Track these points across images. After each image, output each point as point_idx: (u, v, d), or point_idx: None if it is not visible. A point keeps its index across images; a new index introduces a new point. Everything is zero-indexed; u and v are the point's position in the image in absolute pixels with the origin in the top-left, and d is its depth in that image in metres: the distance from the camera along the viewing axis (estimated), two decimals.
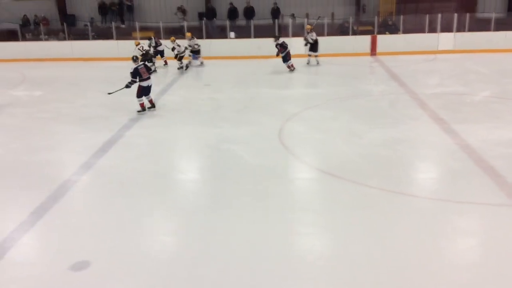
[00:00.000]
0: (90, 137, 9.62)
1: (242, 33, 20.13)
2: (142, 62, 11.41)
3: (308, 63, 17.39)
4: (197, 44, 17.60)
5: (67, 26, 20.40)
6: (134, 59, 11.31)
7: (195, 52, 17.62)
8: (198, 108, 12.08)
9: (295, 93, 13.90)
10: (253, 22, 20.03)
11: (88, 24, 20.72)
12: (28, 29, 21.78)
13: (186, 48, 17.25)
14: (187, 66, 17.37)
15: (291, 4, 23.11)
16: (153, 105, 11.65)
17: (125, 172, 7.85)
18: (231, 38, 19.91)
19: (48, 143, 9.46)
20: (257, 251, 5.28)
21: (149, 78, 11.31)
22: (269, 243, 5.44)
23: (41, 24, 21.43)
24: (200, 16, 22.54)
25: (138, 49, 16.75)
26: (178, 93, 13.72)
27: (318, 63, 17.33)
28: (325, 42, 18.01)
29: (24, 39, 20.70)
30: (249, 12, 22.29)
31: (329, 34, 19.55)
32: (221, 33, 20.52)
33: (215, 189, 7.23)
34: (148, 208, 6.52)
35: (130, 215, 6.29)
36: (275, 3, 22.45)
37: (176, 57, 17.03)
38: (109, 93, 11.77)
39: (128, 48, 16.93)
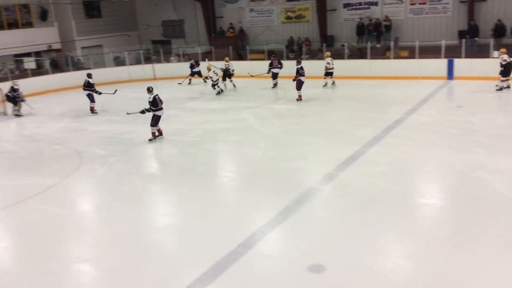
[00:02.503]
0: (336, 151, 10.12)
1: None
2: (156, 93, 11.78)
3: None
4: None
5: (326, 46, 21.88)
6: (150, 89, 11.77)
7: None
8: (447, 130, 11.40)
9: None
10: None
11: (345, 44, 21.80)
12: (292, 49, 24.21)
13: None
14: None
15: None
16: (160, 133, 12.09)
17: (365, 187, 7.99)
18: (493, 58, 18.07)
19: (299, 152, 10.33)
20: None
21: (162, 108, 11.78)
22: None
23: (303, 44, 23.56)
24: (461, 34, 21.14)
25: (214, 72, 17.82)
26: (427, 113, 13.20)
27: None
28: None
29: (288, 58, 23.10)
30: None
31: None
32: (482, 52, 18.80)
33: (457, 218, 6.72)
34: (384, 226, 6.51)
35: (366, 230, 6.40)
36: None
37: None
38: (128, 113, 13.06)
39: (379, 66, 17.06)
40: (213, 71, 17.97)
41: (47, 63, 23.54)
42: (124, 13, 27.75)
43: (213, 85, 17.99)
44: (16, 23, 23.25)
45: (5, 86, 16.96)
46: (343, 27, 24.13)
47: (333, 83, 18.53)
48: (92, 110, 15.91)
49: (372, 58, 20.11)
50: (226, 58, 19.92)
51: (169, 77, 22.34)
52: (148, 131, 11.92)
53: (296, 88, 15.91)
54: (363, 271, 5.37)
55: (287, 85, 18.71)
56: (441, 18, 21.91)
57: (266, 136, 12.04)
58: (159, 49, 24.82)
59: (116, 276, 5.72)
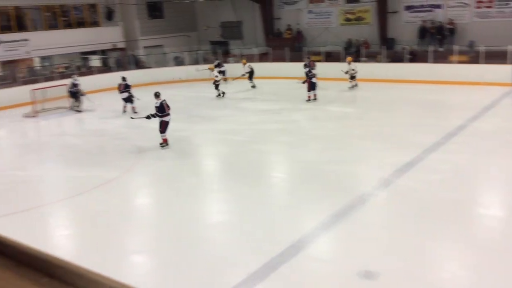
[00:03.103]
0: (392, 156, 9.88)
1: None
2: (164, 98, 11.41)
3: None
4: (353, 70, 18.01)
5: (386, 49, 21.41)
6: (157, 95, 11.42)
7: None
8: (510, 138, 10.84)
9: None
10: None
11: (406, 47, 21.24)
12: (350, 51, 23.88)
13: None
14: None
15: None
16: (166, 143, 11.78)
17: (422, 194, 7.75)
18: None
19: (354, 156, 10.19)
20: None
21: (169, 114, 11.38)
22: None
23: (361, 47, 23.16)
24: None
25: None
26: (491, 120, 12.61)
27: None
28: None
29: (344, 61, 22.80)
30: None
31: None
32: None
33: None
34: (441, 235, 6.29)
35: (421, 238, 6.21)
36: None
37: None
38: (132, 118, 12.71)
39: (440, 70, 16.48)
40: (218, 71, 18.52)
41: (111, 61, 24.58)
42: (185, 14, 28.44)
43: (216, 86, 18.29)
44: (84, 22, 24.40)
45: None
46: (404, 30, 23.49)
47: (356, 85, 18.64)
48: (134, 109, 16.08)
49: (433, 61, 19.48)
50: (243, 61, 20.73)
51: (225, 77, 22.66)
52: (204, 129, 12.21)
53: (308, 89, 16.45)
54: (417, 281, 5.22)
55: (344, 87, 18.49)
56: (510, 23, 20.84)
57: (319, 139, 11.95)
58: (217, 50, 25.26)
59: (169, 268, 5.89)
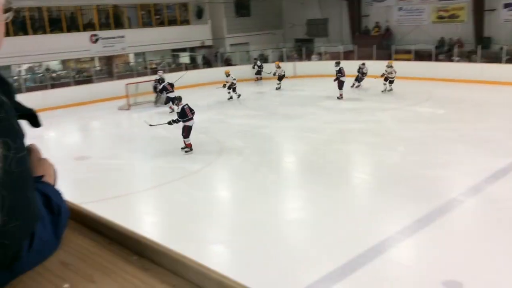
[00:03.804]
0: (485, 161, 9.23)
1: None
2: (186, 102, 10.95)
3: None
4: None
5: (482, 48, 20.08)
6: (179, 99, 11.20)
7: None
8: None
9: None
10: None
11: (504, 47, 19.76)
12: (442, 50, 22.68)
13: None
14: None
15: None
16: (190, 148, 11.21)
17: None
18: None
19: (443, 160, 9.65)
20: None
21: (192, 118, 10.86)
22: None
23: (455, 46, 21.91)
24: None
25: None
26: None
27: None
28: None
29: (436, 59, 21.69)
30: None
31: None
32: None
33: None
34: None
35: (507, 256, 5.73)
36: None
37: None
38: (150, 125, 11.83)
39: None
40: (232, 77, 17.88)
41: (199, 58, 25.43)
42: (271, 12, 28.65)
43: (229, 87, 17.85)
44: (175, 20, 25.46)
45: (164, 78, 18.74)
46: (502, 29, 21.85)
47: (391, 89, 17.86)
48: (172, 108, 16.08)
49: None
50: (277, 62, 20.68)
51: (309, 75, 22.55)
52: (285, 127, 12.20)
53: (338, 88, 16.75)
54: None
55: (431, 87, 17.64)
56: None
57: (405, 140, 11.47)
58: (301, 48, 25.19)
59: (246, 261, 5.96)
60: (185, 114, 10.96)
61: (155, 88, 17.96)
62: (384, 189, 8.29)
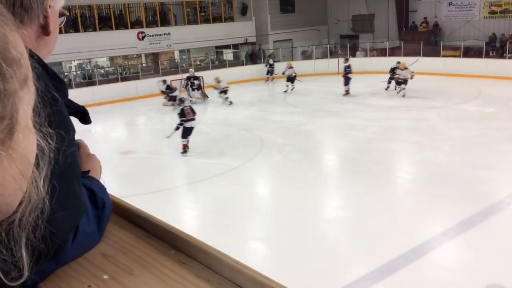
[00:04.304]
0: None
1: None
2: (188, 104, 11.03)
3: None
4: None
5: None
6: (182, 100, 11.37)
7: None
8: None
9: None
10: None
11: None
12: (493, 47, 21.82)
13: None
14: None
15: None
16: (185, 149, 11.01)
17: None
18: None
19: (490, 161, 9.32)
20: None
21: (193, 119, 10.71)
22: None
23: (507, 42, 21.01)
24: None
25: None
26: None
27: None
28: None
29: (487, 56, 20.88)
30: None
31: None
32: None
33: None
34: None
35: None
36: None
37: None
38: (167, 137, 11.43)
39: None
40: (224, 83, 17.45)
41: (242, 55, 25.58)
42: (316, 8, 28.41)
43: (221, 92, 17.38)
44: (220, 17, 25.71)
45: (205, 75, 19.03)
46: None
47: (402, 90, 16.58)
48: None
49: None
50: (288, 62, 19.80)
51: (354, 72, 22.23)
52: (328, 124, 12.11)
53: (344, 84, 16.99)
54: None
55: (481, 84, 17.02)
56: None
57: (452, 140, 11.13)
58: (346, 44, 24.86)
59: (284, 258, 5.98)
60: (184, 115, 10.97)
61: (185, 86, 18.31)
62: (428, 190, 8.08)
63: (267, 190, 9.10)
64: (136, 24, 22.76)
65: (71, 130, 0.82)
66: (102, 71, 22.52)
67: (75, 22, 20.99)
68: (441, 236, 6.18)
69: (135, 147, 11.50)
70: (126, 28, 22.33)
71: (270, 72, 22.07)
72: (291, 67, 19.14)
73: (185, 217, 7.86)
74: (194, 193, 8.86)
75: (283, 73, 19.21)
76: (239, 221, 7.24)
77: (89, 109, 0.99)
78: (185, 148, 11.17)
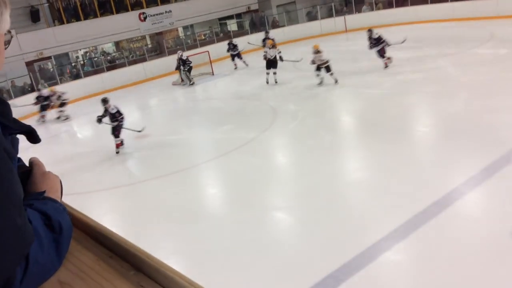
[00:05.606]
0: None
1: None
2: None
3: None
4: None
5: None
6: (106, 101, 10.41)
7: None
8: None
9: None
10: None
11: None
12: None
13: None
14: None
15: None
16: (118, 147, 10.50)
17: None
18: None
19: (507, 103, 9.08)
20: None
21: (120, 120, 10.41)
22: None
23: None
24: None
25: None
26: None
27: None
28: None
29: None
30: None
31: None
32: None
33: None
34: None
35: None
36: None
37: None
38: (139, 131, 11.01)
39: None
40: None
41: (246, 24, 25.19)
42: None
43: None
44: None
45: (210, 49, 18.82)
46: None
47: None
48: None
49: None
50: (269, 41, 15.94)
51: (361, 28, 21.72)
52: (341, 84, 11.96)
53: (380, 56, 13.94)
54: None
55: (493, 25, 16.49)
56: None
57: (468, 86, 10.89)
58: (351, 0, 24.25)
59: (308, 224, 5.99)
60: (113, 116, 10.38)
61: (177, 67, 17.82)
62: (448, 140, 7.93)
63: (285, 159, 9.07)
64: (136, 5, 22.54)
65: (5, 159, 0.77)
66: (108, 57, 22.48)
67: (76, 11, 20.88)
68: (464, 186, 6.10)
69: (150, 130, 11.53)
70: (127, 10, 22.15)
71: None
72: (273, 46, 15.19)
73: (207, 194, 7.92)
74: (213, 170, 8.89)
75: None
76: (260, 192, 7.26)
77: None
78: (118, 147, 10.55)
